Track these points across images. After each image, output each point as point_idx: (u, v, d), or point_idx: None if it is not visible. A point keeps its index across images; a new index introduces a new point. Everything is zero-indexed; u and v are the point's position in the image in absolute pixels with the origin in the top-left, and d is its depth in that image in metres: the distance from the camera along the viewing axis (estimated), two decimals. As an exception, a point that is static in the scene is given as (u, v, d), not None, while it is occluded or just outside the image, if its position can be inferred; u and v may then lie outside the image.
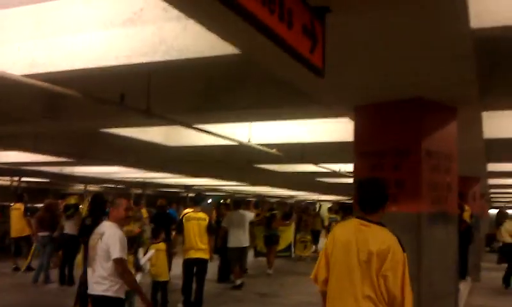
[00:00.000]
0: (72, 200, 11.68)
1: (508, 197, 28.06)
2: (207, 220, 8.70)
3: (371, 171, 5.37)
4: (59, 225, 11.36)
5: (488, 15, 3.35)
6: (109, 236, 4.70)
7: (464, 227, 7.39)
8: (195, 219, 8.60)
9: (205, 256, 8.60)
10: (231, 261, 11.62)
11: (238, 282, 11.24)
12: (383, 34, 3.48)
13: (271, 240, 14.43)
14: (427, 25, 3.31)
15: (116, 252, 4.60)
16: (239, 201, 13.36)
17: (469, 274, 12.70)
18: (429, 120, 5.22)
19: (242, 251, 11.74)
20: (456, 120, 5.50)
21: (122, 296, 4.80)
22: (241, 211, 12.11)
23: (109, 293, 4.63)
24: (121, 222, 4.98)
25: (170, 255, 9.25)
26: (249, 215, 12.68)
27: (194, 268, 8.62)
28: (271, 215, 15.29)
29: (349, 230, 3.41)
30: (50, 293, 10.27)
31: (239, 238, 11.54)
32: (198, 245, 8.48)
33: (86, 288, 4.84)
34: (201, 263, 8.62)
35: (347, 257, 3.30)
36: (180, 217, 9.03)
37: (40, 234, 11.63)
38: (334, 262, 3.39)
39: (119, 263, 4.60)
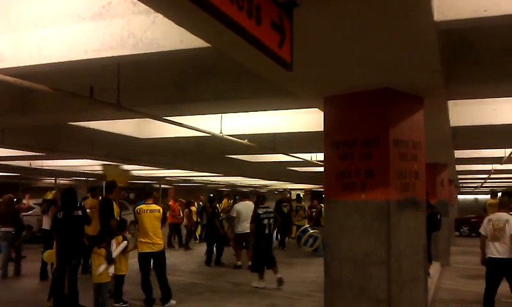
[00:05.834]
0: (49, 195, 11.49)
1: (476, 183, 28.72)
2: (161, 212, 8.79)
3: (341, 161, 5.46)
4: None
5: (450, 9, 3.44)
6: None
7: (428, 212, 7.54)
8: (148, 211, 8.63)
9: (160, 248, 8.65)
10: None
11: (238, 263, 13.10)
12: (350, 26, 3.53)
13: None
14: (392, 18, 3.38)
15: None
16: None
17: (439, 259, 13.01)
18: (397, 110, 5.30)
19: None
20: (422, 109, 5.61)
21: None
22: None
23: None
24: None
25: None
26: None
27: (150, 261, 8.65)
28: None
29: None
30: (25, 289, 10.16)
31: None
32: (153, 238, 8.54)
33: (59, 282, 4.83)
34: (157, 256, 8.65)
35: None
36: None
37: (3, 229, 11.47)
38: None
39: None
